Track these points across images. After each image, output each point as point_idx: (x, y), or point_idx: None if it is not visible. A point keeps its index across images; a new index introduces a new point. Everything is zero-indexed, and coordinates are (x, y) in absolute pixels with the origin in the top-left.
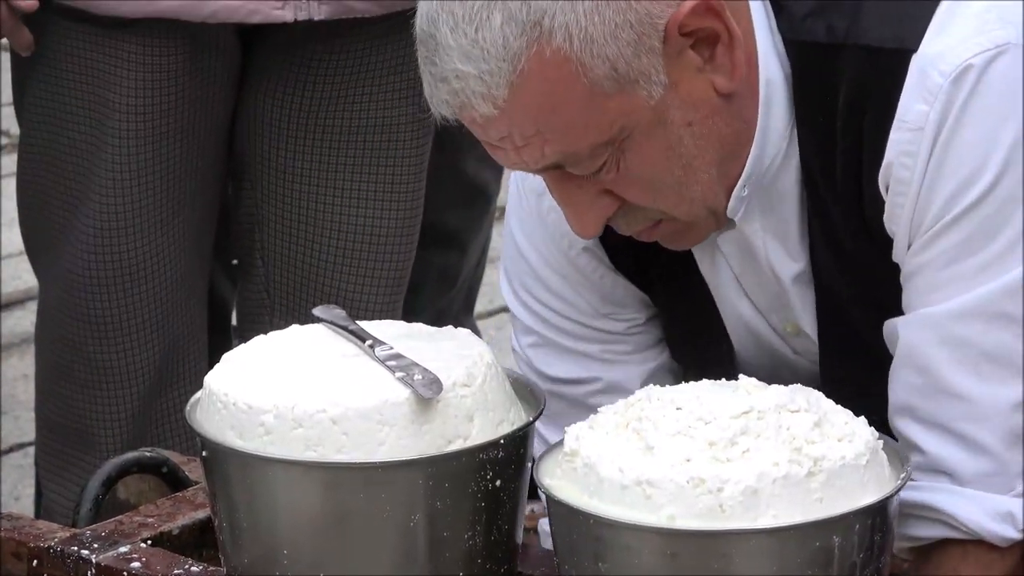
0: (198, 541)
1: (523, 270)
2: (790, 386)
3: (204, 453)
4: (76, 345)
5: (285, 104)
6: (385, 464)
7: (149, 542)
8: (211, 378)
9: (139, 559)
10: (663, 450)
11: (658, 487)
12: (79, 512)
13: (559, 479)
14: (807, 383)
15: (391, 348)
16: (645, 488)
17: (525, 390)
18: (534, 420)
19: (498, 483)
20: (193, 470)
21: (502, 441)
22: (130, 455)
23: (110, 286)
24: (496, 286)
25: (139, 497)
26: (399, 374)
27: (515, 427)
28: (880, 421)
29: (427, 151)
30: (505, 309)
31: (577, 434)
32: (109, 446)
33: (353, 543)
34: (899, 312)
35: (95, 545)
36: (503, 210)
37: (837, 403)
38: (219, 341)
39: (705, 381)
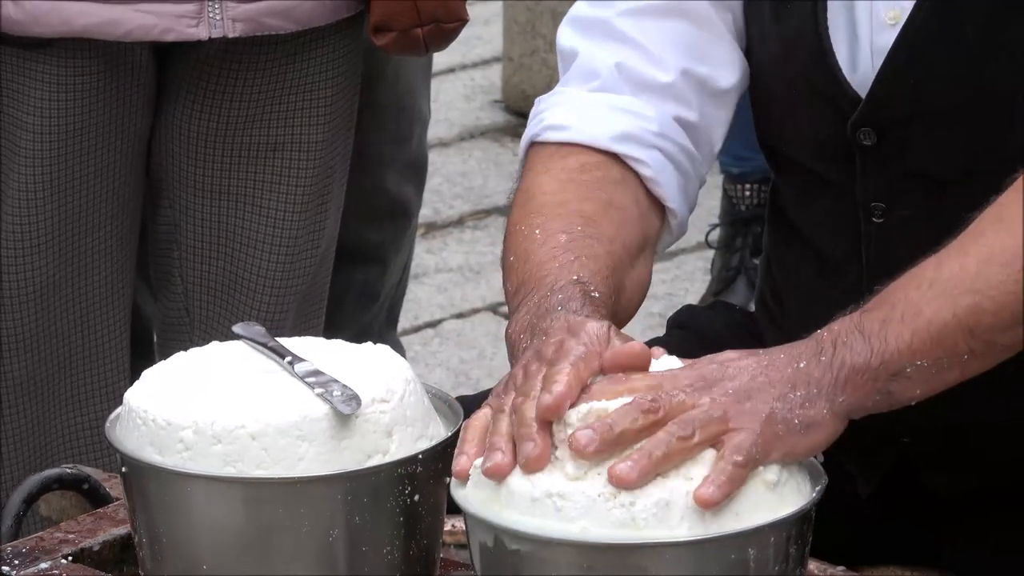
0: (119, 557)
1: None
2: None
3: (124, 469)
4: None
5: (202, 122)
6: (304, 479)
7: (70, 558)
8: (130, 395)
9: (60, 575)
10: (574, 462)
11: (569, 499)
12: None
13: (475, 492)
14: None
15: (310, 364)
16: (556, 500)
17: (444, 405)
18: (453, 435)
19: (417, 498)
20: (114, 486)
21: (420, 456)
22: (51, 472)
23: (23, 304)
24: (420, 302)
25: (60, 514)
26: (318, 390)
27: (434, 442)
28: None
29: (346, 168)
30: (430, 325)
31: None
32: (11, 465)
33: (273, 558)
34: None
35: (16, 561)
36: (427, 226)
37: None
38: (142, 358)
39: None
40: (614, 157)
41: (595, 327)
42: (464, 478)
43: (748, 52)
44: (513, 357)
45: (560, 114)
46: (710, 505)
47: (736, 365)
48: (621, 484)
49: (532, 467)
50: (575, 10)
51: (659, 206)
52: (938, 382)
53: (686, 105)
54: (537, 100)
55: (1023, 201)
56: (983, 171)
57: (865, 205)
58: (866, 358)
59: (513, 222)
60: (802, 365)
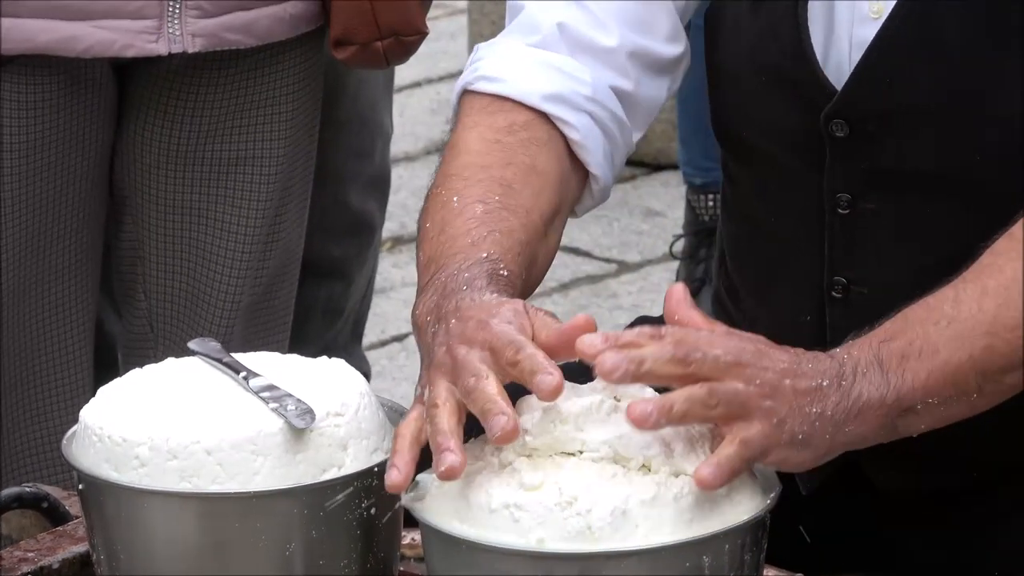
0: (78, 575)
1: None
2: None
3: (81, 487)
4: None
5: (163, 137)
6: (259, 494)
7: None
8: (86, 412)
9: None
10: (531, 472)
11: (526, 510)
12: None
13: (431, 504)
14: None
15: (265, 379)
16: (513, 511)
17: (399, 418)
18: None
19: (373, 511)
20: (74, 504)
21: (376, 469)
22: (11, 491)
23: None
24: (386, 316)
25: (20, 532)
26: (273, 405)
27: (389, 455)
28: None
29: (307, 183)
30: (396, 339)
31: None
32: None
33: (230, 572)
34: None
35: None
36: (394, 240)
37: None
38: (108, 377)
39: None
40: (543, 116)
41: (509, 310)
42: (398, 491)
43: (714, 35)
44: (420, 339)
45: (495, 65)
46: (709, 487)
47: (772, 356)
48: (638, 423)
49: (507, 439)
50: None
51: (581, 170)
52: (944, 418)
53: (623, 74)
54: (477, 47)
55: None
56: (952, 168)
57: (831, 196)
58: (883, 393)
59: (435, 182)
60: (824, 383)
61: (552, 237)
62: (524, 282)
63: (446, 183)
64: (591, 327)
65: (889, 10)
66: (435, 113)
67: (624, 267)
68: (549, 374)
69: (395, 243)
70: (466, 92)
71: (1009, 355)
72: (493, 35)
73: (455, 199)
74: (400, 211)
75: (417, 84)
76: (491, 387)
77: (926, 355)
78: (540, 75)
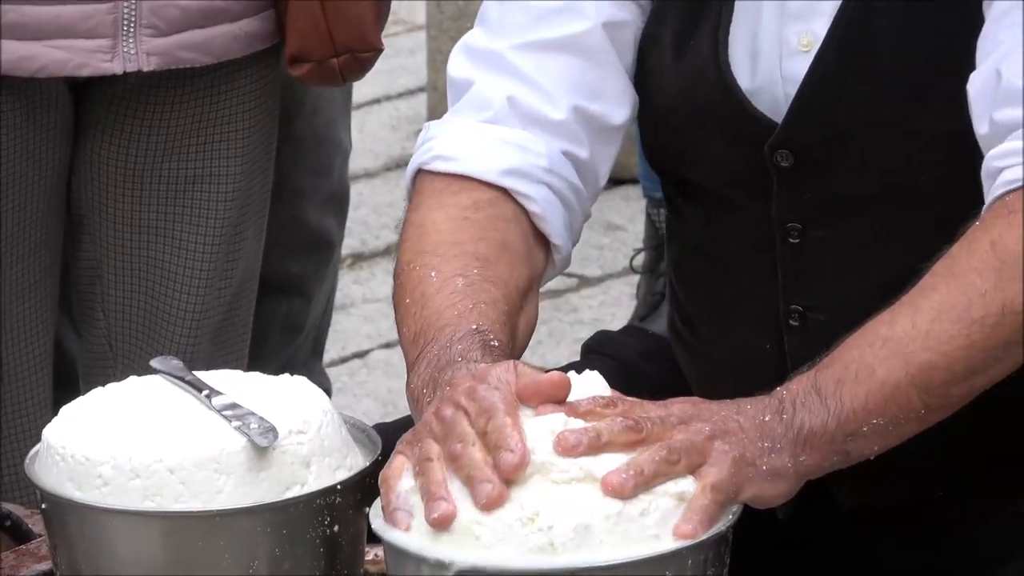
0: None
1: None
2: None
3: (44, 506)
4: None
5: (120, 156)
6: (223, 512)
7: None
8: (48, 431)
9: None
10: None
11: (487, 526)
12: None
13: None
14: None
15: (227, 397)
16: (474, 527)
17: (362, 435)
18: (372, 465)
19: (336, 528)
20: (37, 523)
21: (339, 487)
22: None
23: None
24: (347, 332)
25: None
26: (235, 423)
27: (352, 472)
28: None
29: (265, 200)
30: (357, 355)
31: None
32: None
33: None
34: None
35: None
36: (354, 257)
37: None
38: (69, 396)
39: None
40: (503, 192)
41: (500, 371)
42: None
43: (642, 85)
44: (416, 412)
45: (449, 144)
46: (692, 538)
47: (707, 407)
48: (616, 494)
49: (493, 505)
50: (468, 39)
51: (544, 243)
52: (895, 437)
53: (576, 142)
54: (426, 126)
55: (974, 255)
56: (900, 190)
57: (781, 225)
58: (824, 419)
59: (406, 260)
60: (767, 419)
61: (529, 310)
62: (511, 352)
63: (419, 260)
64: (564, 383)
65: (819, 42)
66: (394, 130)
67: (585, 281)
68: (511, 451)
69: (355, 260)
70: (421, 172)
71: (949, 367)
72: (451, 51)
73: (433, 274)
74: (360, 228)
75: (376, 100)
76: (477, 453)
77: (862, 377)
78: (496, 151)
